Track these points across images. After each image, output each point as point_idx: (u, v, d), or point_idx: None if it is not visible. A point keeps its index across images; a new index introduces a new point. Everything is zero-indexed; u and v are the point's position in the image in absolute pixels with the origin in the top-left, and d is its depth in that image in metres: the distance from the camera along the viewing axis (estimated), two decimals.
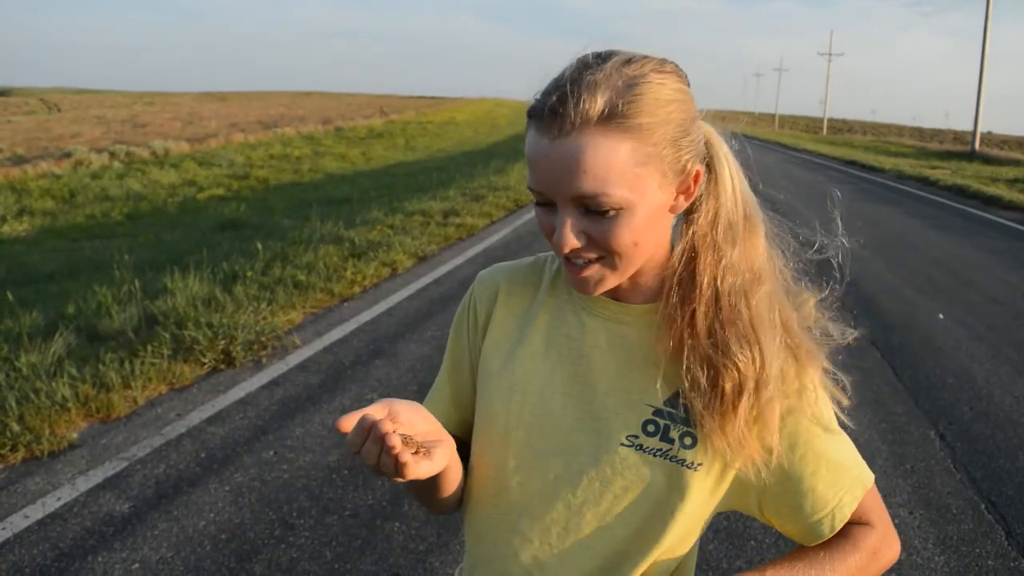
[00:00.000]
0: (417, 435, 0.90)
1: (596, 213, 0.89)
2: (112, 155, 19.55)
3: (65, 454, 3.93)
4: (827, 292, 1.07)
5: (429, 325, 6.13)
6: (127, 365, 4.82)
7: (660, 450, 0.97)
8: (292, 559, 3.08)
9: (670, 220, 0.96)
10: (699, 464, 0.96)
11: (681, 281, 0.96)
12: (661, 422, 0.97)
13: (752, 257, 0.97)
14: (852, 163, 29.38)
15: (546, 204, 0.92)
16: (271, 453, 3.93)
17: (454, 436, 1.09)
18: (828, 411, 1.02)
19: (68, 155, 19.24)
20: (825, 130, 78.04)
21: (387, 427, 0.83)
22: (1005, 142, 60.62)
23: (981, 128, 37.34)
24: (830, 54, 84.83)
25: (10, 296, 6.46)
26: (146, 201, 14.11)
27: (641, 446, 0.97)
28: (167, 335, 5.28)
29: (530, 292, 1.10)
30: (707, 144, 0.96)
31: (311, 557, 3.10)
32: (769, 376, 0.93)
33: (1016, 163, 30.26)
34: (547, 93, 0.88)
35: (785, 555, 1.03)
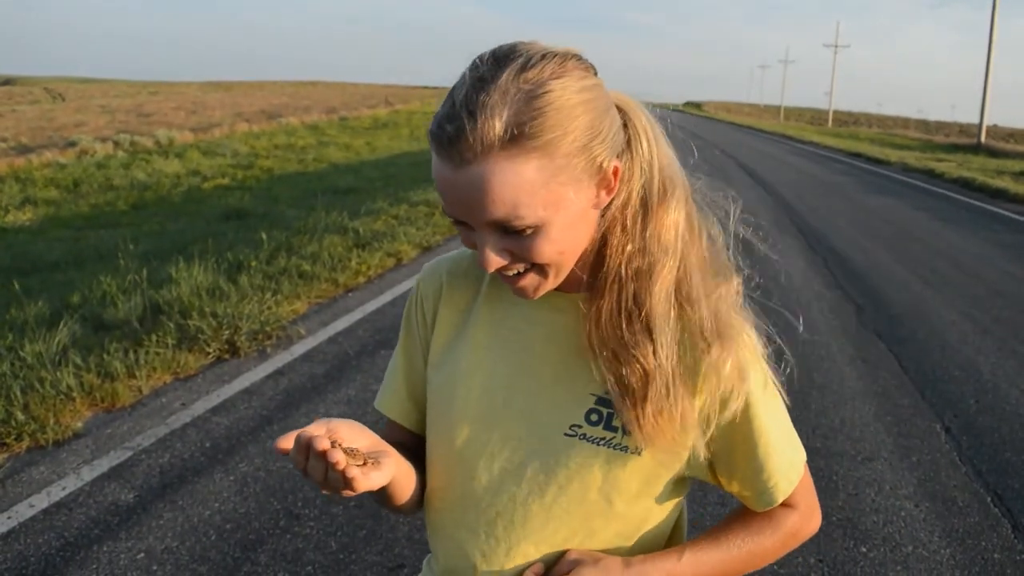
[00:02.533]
0: (361, 448, 0.90)
1: (514, 232, 0.87)
2: (117, 144, 19.54)
3: (70, 443, 3.93)
4: (751, 271, 1.06)
5: None
6: (132, 355, 4.82)
7: (603, 439, 0.97)
8: (297, 549, 3.08)
9: (596, 214, 0.93)
10: (643, 449, 0.96)
11: (593, 270, 0.96)
12: (604, 410, 0.97)
13: (662, 234, 0.93)
14: (857, 155, 29.27)
15: (464, 223, 0.89)
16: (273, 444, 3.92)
17: (413, 433, 1.13)
18: (762, 389, 0.99)
19: (73, 144, 19.23)
20: (830, 122, 77.82)
21: (324, 443, 0.82)
22: (1011, 135, 60.40)
23: (987, 121, 37.17)
24: (836, 46, 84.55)
25: (15, 285, 6.46)
26: (151, 190, 14.10)
27: (584, 435, 0.97)
28: (172, 325, 5.28)
29: (473, 285, 1.08)
30: (624, 124, 0.93)
31: (316, 547, 3.10)
32: (668, 370, 0.93)
33: (1022, 156, 30.15)
34: (444, 117, 0.84)
35: (707, 531, 1.06)
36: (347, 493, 0.86)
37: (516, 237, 0.87)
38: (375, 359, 5.13)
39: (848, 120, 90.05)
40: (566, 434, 0.98)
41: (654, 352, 0.92)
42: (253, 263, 6.98)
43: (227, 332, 5.25)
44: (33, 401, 4.15)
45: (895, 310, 6.93)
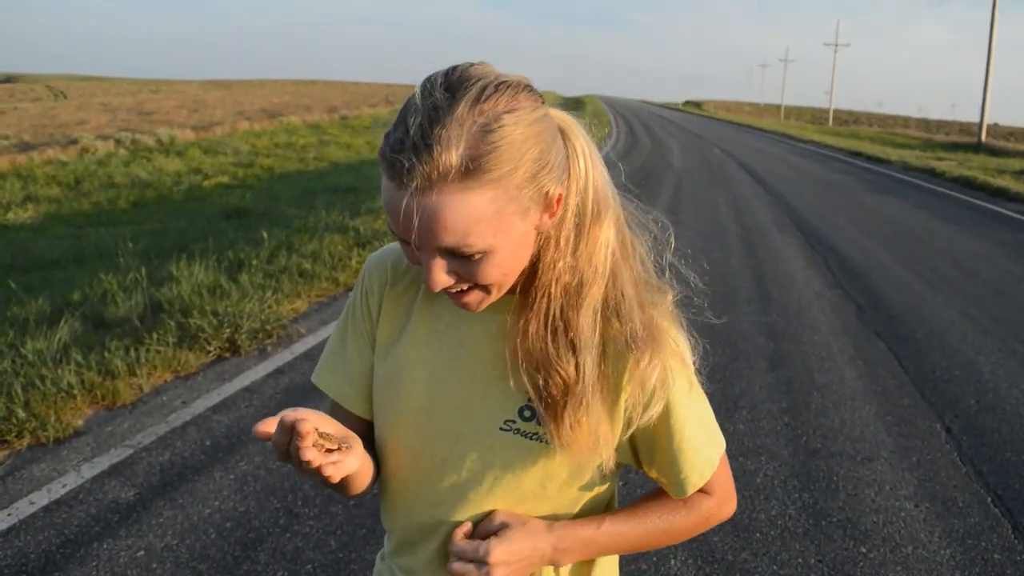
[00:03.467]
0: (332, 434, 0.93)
1: (462, 256, 0.89)
2: (118, 142, 19.54)
3: (70, 441, 3.93)
4: (687, 288, 1.11)
5: None
6: (132, 353, 4.83)
7: (535, 433, 1.02)
8: (297, 548, 3.09)
9: (535, 235, 0.96)
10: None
11: (525, 282, 0.99)
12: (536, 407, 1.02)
13: (593, 253, 0.97)
14: (858, 154, 29.25)
15: (408, 242, 0.91)
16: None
17: (358, 416, 1.16)
18: (686, 392, 1.05)
19: (74, 142, 19.24)
20: (831, 121, 77.77)
21: (307, 427, 0.86)
22: (1012, 134, 60.36)
23: (988, 119, 37.15)
24: (836, 44, 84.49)
25: (16, 283, 6.47)
26: (152, 188, 14.10)
27: (518, 430, 1.03)
28: (172, 323, 5.28)
29: (415, 279, 1.12)
30: (563, 145, 0.96)
31: (316, 546, 3.10)
32: (588, 385, 0.97)
33: (1023, 155, 30.13)
34: (397, 143, 0.86)
35: (628, 504, 1.13)
36: (327, 475, 0.89)
37: (463, 260, 0.90)
38: None
39: (848, 119, 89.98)
40: (501, 428, 1.03)
41: (576, 366, 0.97)
42: (254, 262, 6.98)
43: (228, 330, 5.26)
44: (34, 399, 4.15)
45: (895, 309, 6.93)
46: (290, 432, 0.87)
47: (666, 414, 1.03)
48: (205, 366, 4.97)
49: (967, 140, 39.82)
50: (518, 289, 1.01)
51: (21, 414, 3.99)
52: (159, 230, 9.94)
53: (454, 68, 0.90)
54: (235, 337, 5.23)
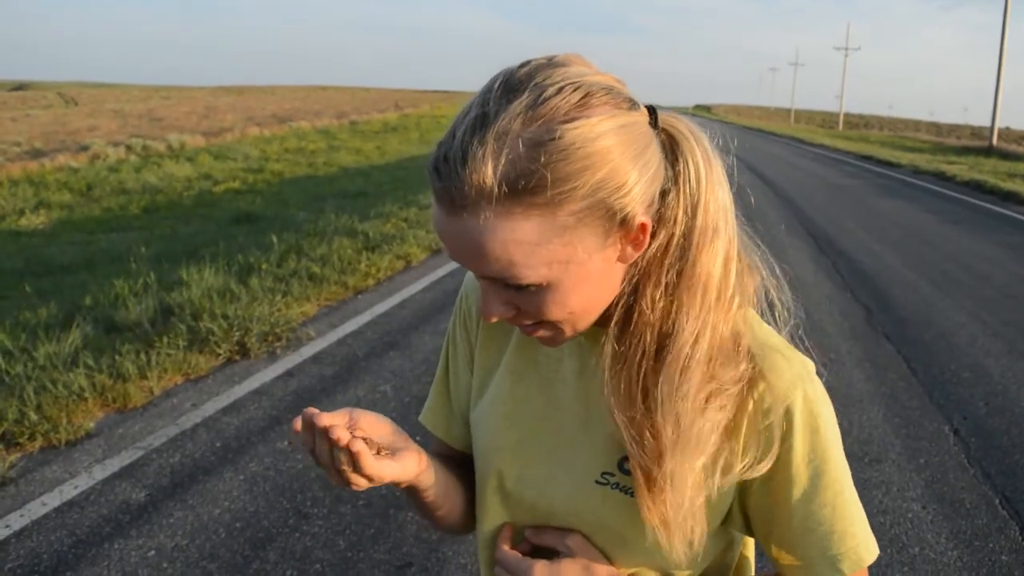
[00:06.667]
0: (381, 441, 0.86)
1: (515, 287, 0.76)
2: (129, 148, 19.66)
3: (82, 443, 3.97)
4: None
5: (443, 317, 6.15)
6: (143, 356, 4.86)
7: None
8: (306, 547, 3.11)
9: (623, 268, 0.80)
10: None
11: (619, 319, 0.82)
12: None
13: (693, 292, 0.80)
14: (868, 158, 29.19)
15: None
16: (285, 443, 3.96)
17: (461, 452, 1.07)
18: (823, 463, 0.85)
19: (85, 148, 19.36)
20: (841, 125, 77.57)
21: (340, 434, 0.78)
22: (1023, 137, 60.10)
23: (999, 123, 36.99)
24: (847, 48, 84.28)
25: (28, 288, 6.52)
26: (162, 194, 14.18)
27: (617, 484, 0.88)
28: (183, 326, 5.32)
29: None
30: (672, 157, 0.79)
31: (325, 545, 3.12)
32: (675, 447, 0.80)
33: None
34: (441, 154, 0.73)
35: None
36: (357, 480, 0.81)
37: (521, 292, 0.77)
38: (384, 361, 5.15)
39: (859, 123, 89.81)
40: (597, 481, 0.89)
41: (661, 426, 0.80)
42: (264, 266, 7.02)
43: (238, 334, 5.29)
44: (46, 401, 4.19)
45: (904, 312, 6.92)
46: (312, 429, 0.81)
47: (798, 474, 0.84)
48: (215, 369, 5.01)
49: (978, 144, 39.67)
50: (614, 323, 0.83)
51: (33, 417, 4.03)
52: (170, 235, 10.00)
53: (524, 64, 0.75)
54: (245, 340, 5.27)
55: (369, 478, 0.81)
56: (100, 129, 25.69)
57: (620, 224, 0.75)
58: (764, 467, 0.83)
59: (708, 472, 0.83)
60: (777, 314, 0.89)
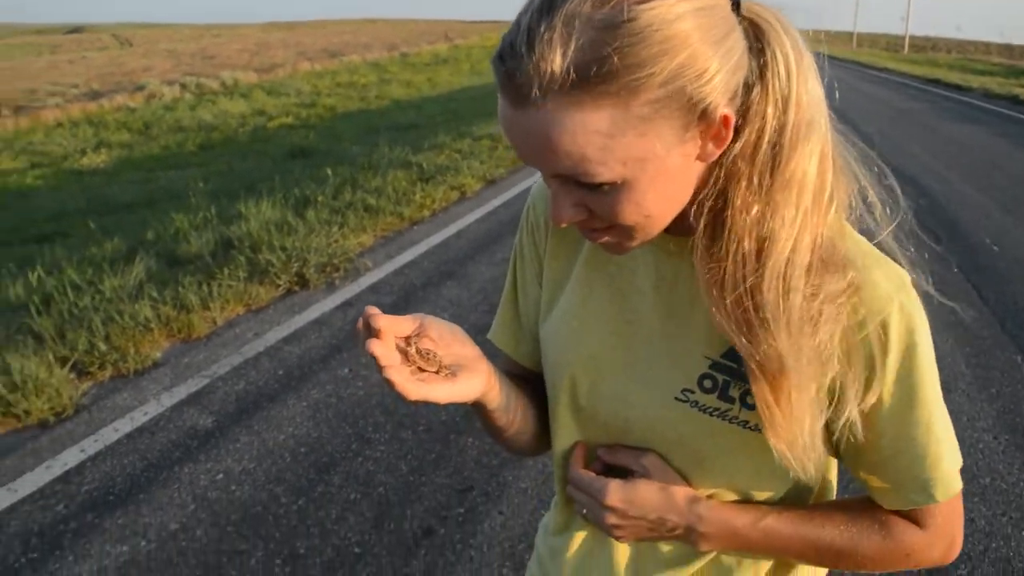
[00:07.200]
0: (445, 358, 0.82)
1: (587, 186, 0.71)
2: (183, 87, 19.83)
3: (150, 372, 4.06)
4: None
5: (499, 247, 6.12)
6: (205, 288, 4.94)
7: (717, 409, 0.83)
8: (368, 471, 3.15)
9: (702, 167, 0.74)
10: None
11: (707, 225, 0.76)
12: (719, 377, 0.83)
13: (785, 194, 0.73)
14: (935, 81, 28.04)
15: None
16: (346, 371, 4.00)
17: (531, 370, 1.03)
18: (924, 362, 0.80)
19: (141, 88, 19.59)
20: (907, 48, 74.59)
21: (375, 348, 0.74)
22: None
23: None
24: None
25: (92, 225, 6.66)
26: (217, 131, 14.31)
27: (696, 403, 0.83)
28: (243, 259, 5.38)
29: None
30: (757, 47, 0.72)
31: (387, 470, 3.17)
32: (784, 362, 0.74)
33: None
34: (505, 45, 0.67)
35: (812, 505, 0.92)
36: (406, 392, 0.76)
37: (591, 192, 0.72)
38: (440, 290, 5.16)
39: (925, 45, 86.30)
40: (677, 398, 0.84)
41: (766, 342, 0.74)
42: (320, 198, 7.05)
43: (296, 265, 5.34)
44: (114, 332, 4.28)
45: (974, 239, 6.68)
46: (367, 332, 0.77)
47: (892, 391, 0.79)
48: (275, 299, 5.07)
49: None
50: (702, 231, 0.76)
51: (102, 347, 4.13)
52: (226, 171, 10.10)
53: None
54: (303, 271, 5.31)
55: (407, 396, 0.76)
56: (154, 69, 25.92)
57: (700, 117, 0.68)
58: (860, 385, 0.78)
59: (822, 391, 0.78)
60: (878, 216, 0.82)
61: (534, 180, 1.12)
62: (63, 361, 4.02)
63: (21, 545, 2.77)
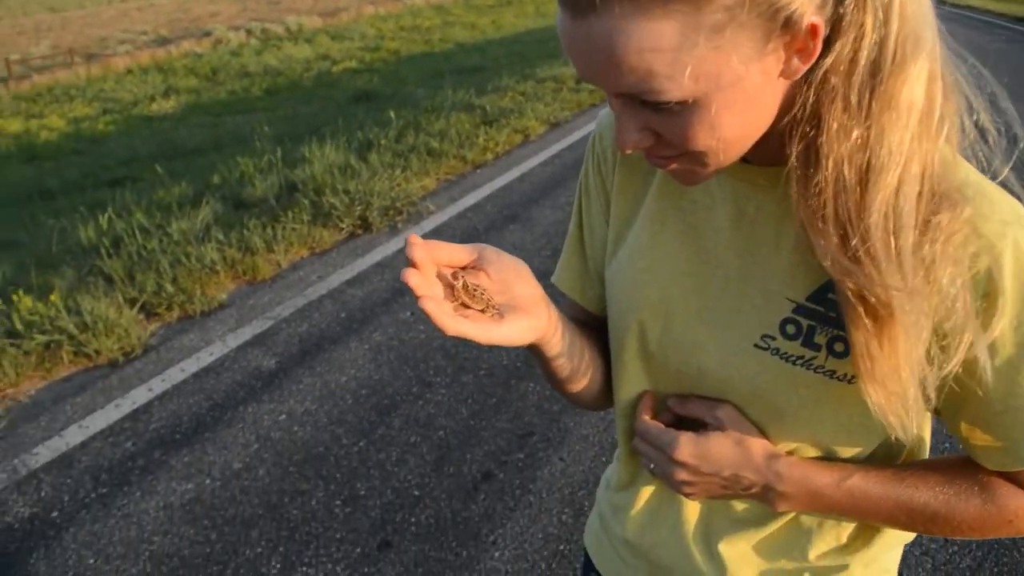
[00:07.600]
0: (498, 296, 0.74)
1: (655, 106, 0.63)
2: (249, 32, 19.94)
3: (215, 313, 4.11)
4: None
5: (562, 191, 6.02)
6: (270, 231, 4.96)
7: (801, 357, 0.74)
8: (429, 415, 3.14)
9: (786, 85, 0.64)
10: (855, 377, 0.71)
11: (799, 152, 0.66)
12: (804, 322, 0.74)
13: (890, 118, 0.63)
14: None
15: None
16: (408, 314, 3.99)
17: (598, 316, 0.95)
18: None
19: (208, 34, 19.76)
20: None
21: (411, 279, 0.67)
22: None
23: None
24: None
25: (160, 169, 6.75)
26: (283, 76, 14.38)
27: (778, 351, 0.75)
28: (307, 202, 5.38)
29: None
30: None
31: (447, 413, 3.15)
32: (891, 305, 0.65)
33: None
34: None
35: (907, 464, 0.82)
36: (442, 326, 0.68)
37: (660, 113, 0.63)
38: (504, 234, 5.10)
39: None
40: (756, 345, 0.76)
41: (899, 273, 0.64)
42: (383, 142, 7.01)
43: (359, 208, 5.32)
44: (181, 274, 4.34)
45: None
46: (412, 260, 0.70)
47: (1008, 336, 0.68)
48: (339, 243, 5.07)
49: None
50: (793, 158, 0.66)
51: (170, 288, 4.18)
52: (291, 115, 10.14)
53: None
54: (366, 214, 5.30)
55: (447, 331, 0.68)
56: (221, 15, 26.11)
57: (784, 26, 0.58)
58: (972, 328, 0.67)
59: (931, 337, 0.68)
60: (992, 144, 0.70)
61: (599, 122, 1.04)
62: (132, 302, 4.09)
63: (91, 480, 2.84)
